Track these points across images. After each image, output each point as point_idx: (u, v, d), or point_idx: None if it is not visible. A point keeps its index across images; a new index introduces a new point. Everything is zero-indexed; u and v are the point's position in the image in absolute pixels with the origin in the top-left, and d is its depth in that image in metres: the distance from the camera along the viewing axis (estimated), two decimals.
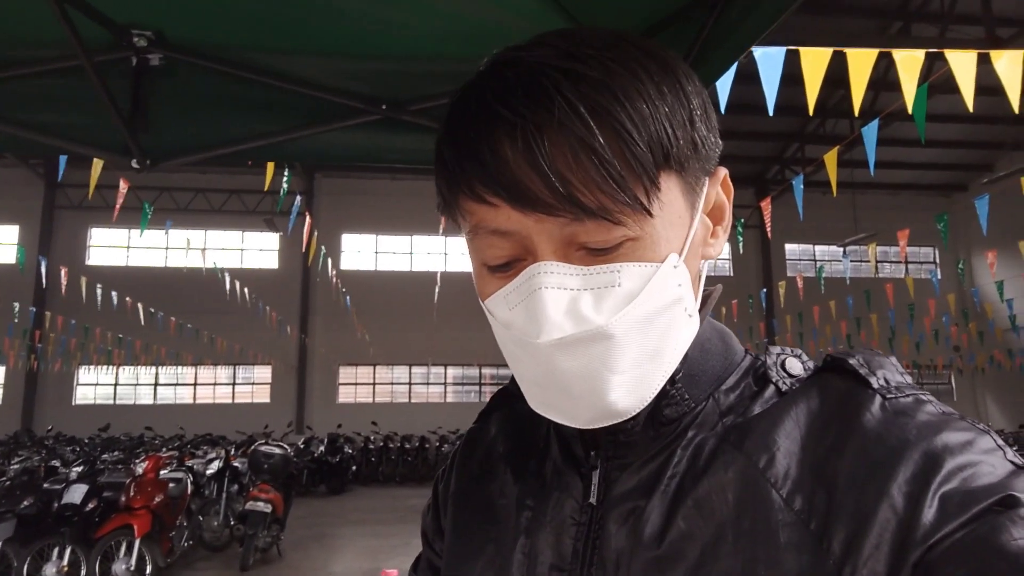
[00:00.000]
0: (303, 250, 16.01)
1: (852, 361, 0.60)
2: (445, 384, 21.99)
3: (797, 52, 4.23)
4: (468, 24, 1.84)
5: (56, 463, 9.11)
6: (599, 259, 0.56)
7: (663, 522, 0.59)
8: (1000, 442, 0.54)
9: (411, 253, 22.34)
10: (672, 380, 0.62)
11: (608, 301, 0.56)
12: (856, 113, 4.95)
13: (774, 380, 0.63)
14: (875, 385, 0.58)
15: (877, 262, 22.94)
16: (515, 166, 0.54)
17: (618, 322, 0.56)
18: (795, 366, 0.64)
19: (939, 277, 20.39)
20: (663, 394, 0.62)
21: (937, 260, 24.20)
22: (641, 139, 0.54)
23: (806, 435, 0.58)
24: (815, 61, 4.05)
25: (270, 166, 6.47)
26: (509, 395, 0.83)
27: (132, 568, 6.77)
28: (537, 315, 0.55)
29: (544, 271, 0.56)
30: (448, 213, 0.63)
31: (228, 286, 14.36)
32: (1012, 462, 0.52)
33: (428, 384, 21.89)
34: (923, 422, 0.54)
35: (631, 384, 0.58)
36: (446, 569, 0.76)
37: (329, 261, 13.57)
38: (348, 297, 16.02)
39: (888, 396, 0.57)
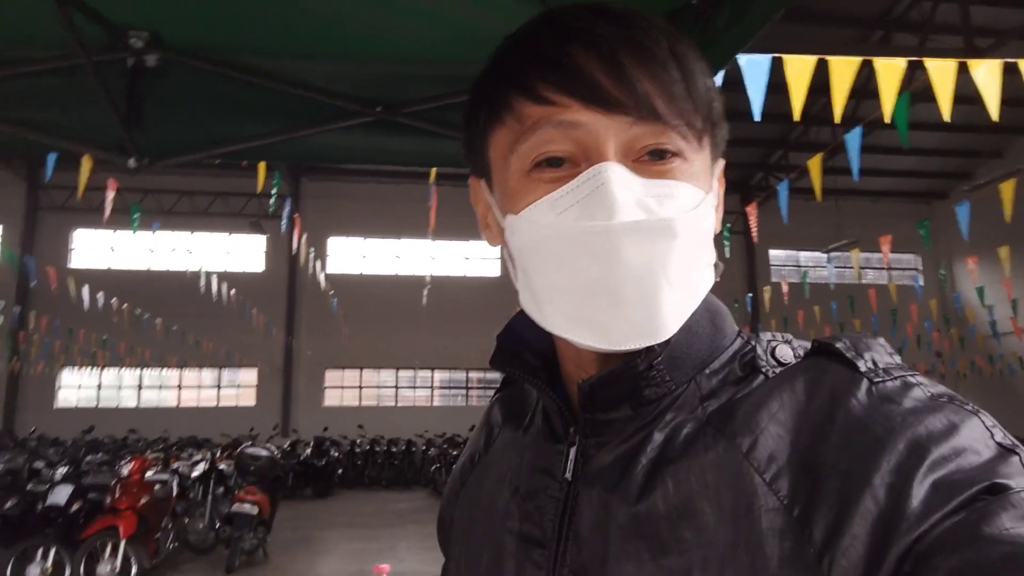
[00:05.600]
0: (292, 252, 15.95)
1: (839, 345, 0.60)
2: (432, 388, 21.96)
3: (781, 60, 4.31)
4: (464, 28, 1.88)
5: (40, 464, 9.04)
6: (655, 169, 0.60)
7: (637, 500, 0.59)
8: (990, 422, 0.53)
9: (398, 257, 22.32)
10: (651, 362, 0.62)
11: (669, 206, 0.58)
12: (837, 120, 5.03)
13: (763, 369, 0.62)
14: (862, 368, 0.57)
15: (860, 268, 23.16)
16: (591, 71, 0.58)
17: (682, 221, 0.58)
18: (786, 353, 0.63)
19: (921, 283, 20.64)
20: (642, 373, 0.62)
21: (919, 267, 24.46)
22: (700, 82, 0.61)
23: (791, 418, 0.56)
24: (799, 69, 4.13)
25: (261, 168, 6.49)
26: (508, 380, 0.86)
27: (117, 570, 6.73)
28: (607, 203, 0.56)
29: (610, 168, 0.57)
30: (491, 119, 0.64)
31: (214, 289, 14.30)
32: (1000, 444, 0.51)
33: (415, 388, 21.85)
34: (909, 408, 0.53)
35: (676, 303, 0.59)
36: (462, 556, 0.78)
37: (317, 264, 13.56)
38: (335, 300, 15.99)
39: (875, 380, 0.56)
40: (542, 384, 0.69)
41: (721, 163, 0.69)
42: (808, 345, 0.64)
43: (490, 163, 0.67)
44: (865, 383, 0.56)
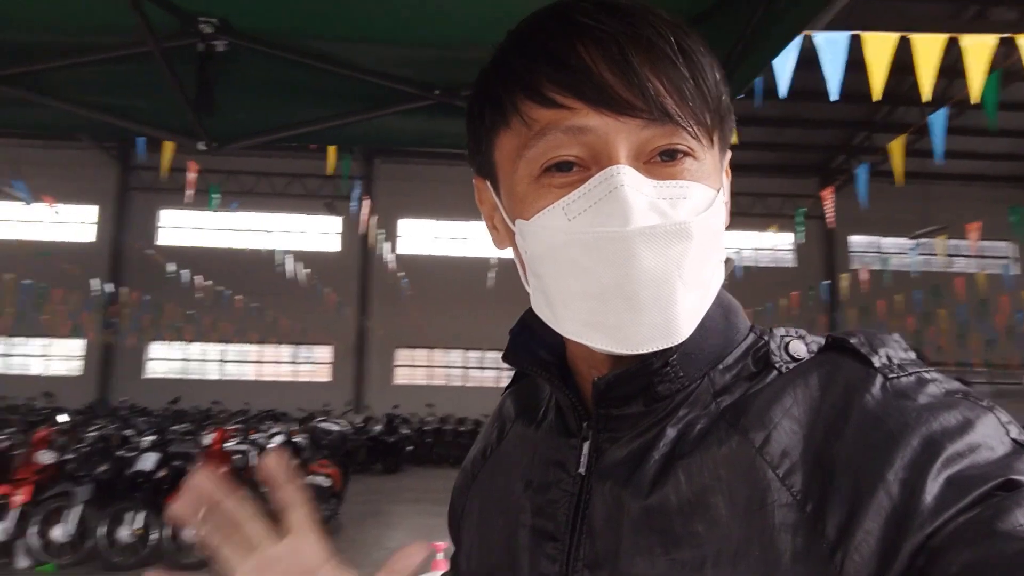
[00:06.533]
0: (361, 233, 16.28)
1: (853, 340, 0.60)
2: (499, 369, 22.14)
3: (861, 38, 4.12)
4: (519, 12, 1.88)
5: (129, 432, 9.56)
6: (666, 170, 0.59)
7: (649, 494, 0.59)
8: (1005, 419, 0.53)
9: (467, 239, 22.50)
10: (667, 360, 0.62)
11: (682, 208, 0.58)
12: (925, 99, 4.80)
13: (776, 364, 0.61)
14: (877, 364, 0.57)
15: (948, 255, 22.10)
16: (599, 71, 0.57)
17: (696, 223, 0.57)
18: (799, 349, 0.62)
19: (1014, 272, 19.52)
20: (657, 370, 0.62)
21: (1013, 255, 23.12)
22: (709, 77, 0.60)
23: (805, 414, 0.56)
24: (879, 47, 3.94)
25: (332, 151, 6.63)
26: (520, 374, 0.87)
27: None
28: (622, 208, 0.55)
29: (622, 172, 0.56)
30: (496, 121, 0.63)
31: (291, 268, 14.74)
32: (1015, 440, 0.51)
33: (483, 368, 22.07)
34: (923, 404, 0.53)
35: (691, 304, 0.59)
36: (474, 547, 0.79)
37: (387, 245, 13.81)
38: (405, 281, 16.25)
39: (890, 376, 0.56)
40: (556, 380, 0.70)
41: (728, 155, 0.67)
42: (822, 340, 0.63)
43: (496, 165, 0.66)
44: (879, 379, 0.56)
